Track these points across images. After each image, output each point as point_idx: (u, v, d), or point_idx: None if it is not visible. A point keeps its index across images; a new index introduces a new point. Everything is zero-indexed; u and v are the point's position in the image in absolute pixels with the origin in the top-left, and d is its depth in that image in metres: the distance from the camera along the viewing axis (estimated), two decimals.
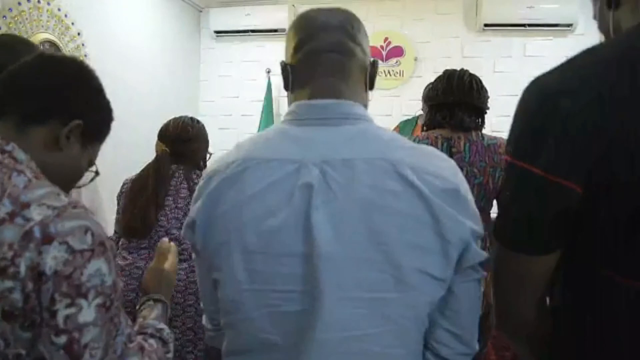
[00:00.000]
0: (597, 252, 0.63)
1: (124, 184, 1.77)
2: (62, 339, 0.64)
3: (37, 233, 0.63)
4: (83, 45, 2.69)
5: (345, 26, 0.77)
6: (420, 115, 3.05)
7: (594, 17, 0.76)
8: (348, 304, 0.66)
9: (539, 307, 0.72)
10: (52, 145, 0.76)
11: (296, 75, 0.79)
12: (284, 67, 0.81)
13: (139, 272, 1.63)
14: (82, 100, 0.80)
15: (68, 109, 0.78)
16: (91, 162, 0.86)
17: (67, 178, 0.80)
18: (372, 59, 0.82)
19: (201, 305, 0.87)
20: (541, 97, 0.64)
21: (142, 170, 1.73)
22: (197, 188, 0.78)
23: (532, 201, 0.64)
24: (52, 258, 0.63)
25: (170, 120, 1.79)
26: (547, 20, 3.52)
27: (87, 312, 0.65)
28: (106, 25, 2.92)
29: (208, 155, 1.85)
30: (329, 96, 0.74)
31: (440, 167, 0.71)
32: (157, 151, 1.74)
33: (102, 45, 2.85)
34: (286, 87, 0.81)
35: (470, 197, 0.72)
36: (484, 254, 0.71)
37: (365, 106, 0.80)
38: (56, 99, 0.77)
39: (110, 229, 1.78)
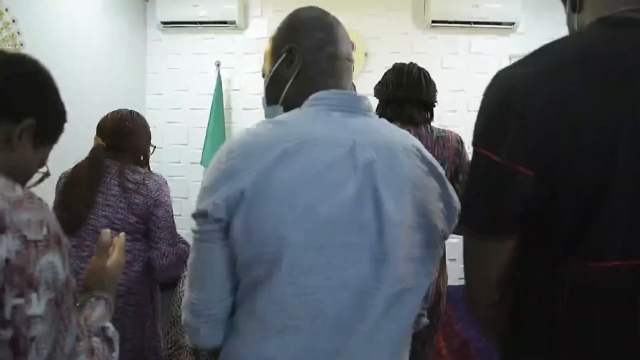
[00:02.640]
0: (549, 236, 0.69)
1: (60, 179, 1.69)
2: (8, 332, 0.61)
3: None
4: (18, 33, 2.53)
5: (347, 36, 0.91)
6: None
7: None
8: (406, 262, 0.77)
9: (500, 290, 0.79)
10: (3, 145, 0.73)
11: (309, 69, 0.85)
12: (295, 54, 0.86)
13: None
14: (35, 100, 0.77)
15: (20, 108, 0.75)
16: (42, 163, 0.83)
17: (16, 179, 0.75)
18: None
19: (193, 300, 0.79)
20: (501, 91, 0.69)
21: (76, 165, 1.66)
22: (227, 164, 0.73)
23: (494, 186, 0.70)
24: (5, 248, 0.60)
25: (108, 114, 1.71)
26: (491, 18, 3.65)
27: (37, 306, 0.62)
28: (44, 13, 2.77)
29: (152, 149, 1.78)
30: (345, 89, 0.86)
31: (431, 156, 0.87)
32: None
33: (40, 35, 2.70)
34: (290, 74, 0.85)
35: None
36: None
37: None
38: (7, 98, 0.74)
39: None
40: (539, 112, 0.64)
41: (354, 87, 0.95)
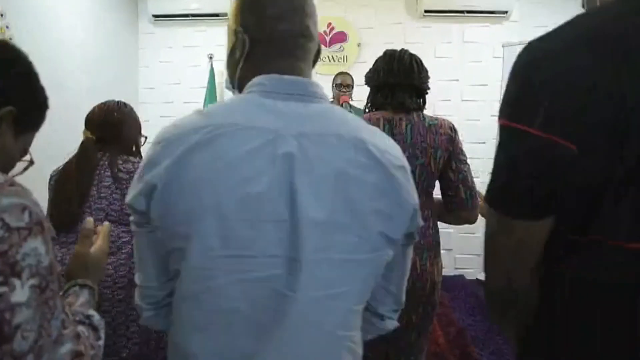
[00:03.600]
0: (572, 215, 0.66)
1: (51, 177, 1.68)
2: None
3: None
4: (7, 27, 2.51)
5: (307, 9, 0.81)
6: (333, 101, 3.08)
7: None
8: (325, 265, 0.71)
9: (533, 276, 0.74)
10: None
11: (258, 49, 0.79)
12: (242, 36, 0.80)
13: None
14: (14, 86, 0.76)
15: None
16: (25, 151, 0.82)
17: None
18: (319, 41, 0.87)
19: (138, 282, 0.81)
20: (531, 62, 0.66)
21: (67, 161, 1.64)
22: (151, 153, 0.73)
23: (530, 162, 0.65)
24: None
25: (95, 106, 1.69)
26: (484, 7, 3.65)
27: (20, 292, 0.62)
28: (34, 8, 2.73)
29: (143, 139, 1.77)
30: (296, 71, 0.78)
31: (392, 146, 0.79)
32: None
33: (29, 29, 2.67)
34: (239, 56, 0.81)
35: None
36: (421, 222, 0.80)
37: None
38: None
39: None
40: (556, 86, 0.62)
41: (315, 59, 0.87)
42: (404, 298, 0.87)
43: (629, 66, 0.59)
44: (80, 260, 0.93)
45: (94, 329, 0.81)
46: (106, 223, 1.02)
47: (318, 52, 0.87)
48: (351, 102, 3.31)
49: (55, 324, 0.69)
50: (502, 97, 0.70)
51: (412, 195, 0.77)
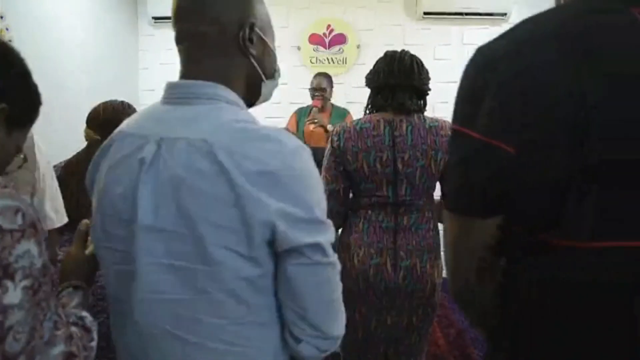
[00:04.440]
0: (527, 215, 0.66)
1: (56, 169, 1.67)
2: None
3: None
4: (7, 29, 2.51)
5: (194, 8, 0.79)
6: (314, 107, 3.03)
7: None
8: (157, 270, 0.73)
9: (486, 274, 0.75)
10: None
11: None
12: None
13: None
14: (6, 83, 0.76)
15: None
16: (19, 149, 0.82)
17: None
18: (250, 21, 0.79)
19: None
20: (478, 64, 0.67)
21: (71, 159, 1.63)
22: None
23: (473, 163, 0.66)
24: None
25: (99, 105, 1.68)
26: (483, 9, 3.66)
27: (13, 294, 0.63)
28: (33, 9, 2.74)
29: None
30: (188, 77, 0.79)
31: (263, 149, 0.70)
32: (86, 138, 1.65)
33: (29, 31, 2.67)
34: None
35: (296, 181, 0.71)
36: (307, 239, 0.71)
37: (254, 73, 0.83)
38: None
39: (59, 220, 1.68)
40: (510, 84, 0.62)
41: (245, 42, 0.81)
42: (328, 329, 0.77)
43: (589, 65, 0.59)
44: (74, 262, 0.93)
45: (87, 330, 0.81)
46: None
47: (247, 36, 0.79)
48: (334, 103, 3.28)
49: (47, 326, 0.69)
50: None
51: (266, 205, 0.67)
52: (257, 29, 0.81)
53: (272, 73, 0.88)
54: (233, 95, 0.79)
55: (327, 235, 0.74)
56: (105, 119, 1.64)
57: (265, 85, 0.87)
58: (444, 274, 1.84)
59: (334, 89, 3.30)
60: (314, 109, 3.03)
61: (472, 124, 0.65)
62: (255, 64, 0.83)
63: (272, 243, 0.71)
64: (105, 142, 0.83)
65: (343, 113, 3.24)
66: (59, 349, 0.71)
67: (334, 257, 0.76)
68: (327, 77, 3.22)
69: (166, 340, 0.75)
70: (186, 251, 0.70)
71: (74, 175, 1.59)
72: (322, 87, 3.13)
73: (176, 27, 0.82)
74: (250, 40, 0.80)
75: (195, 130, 0.72)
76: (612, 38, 0.60)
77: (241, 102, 0.81)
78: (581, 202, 0.60)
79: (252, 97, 0.87)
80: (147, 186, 0.72)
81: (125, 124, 0.83)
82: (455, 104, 0.70)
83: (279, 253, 0.72)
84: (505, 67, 0.63)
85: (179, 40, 0.82)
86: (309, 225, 0.71)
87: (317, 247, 0.72)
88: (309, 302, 0.75)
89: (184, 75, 0.80)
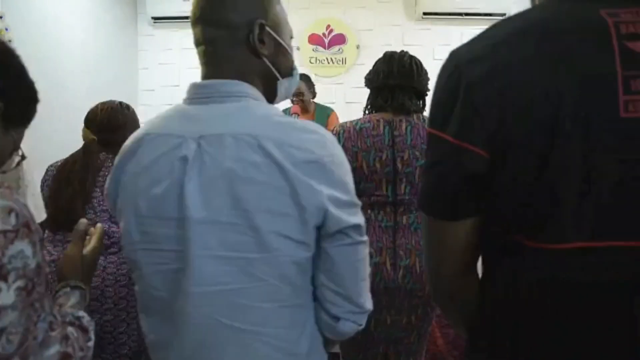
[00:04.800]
0: (503, 217, 0.66)
1: (47, 171, 1.67)
2: None
3: None
4: (6, 29, 2.51)
5: (205, 14, 0.82)
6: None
7: None
8: (213, 262, 0.74)
9: (464, 275, 0.76)
10: None
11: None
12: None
13: None
14: (2, 82, 0.75)
15: None
16: (16, 147, 0.82)
17: None
18: (258, 22, 0.81)
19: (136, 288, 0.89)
20: (450, 67, 0.67)
21: (68, 159, 1.64)
22: None
23: (445, 167, 0.67)
24: None
25: (98, 106, 1.68)
26: (482, 9, 3.66)
27: (6, 295, 0.62)
28: (33, 10, 2.74)
29: None
30: (213, 77, 0.82)
31: (306, 140, 0.75)
32: (84, 139, 1.65)
33: (29, 31, 2.67)
34: None
35: (337, 167, 0.77)
36: (351, 220, 0.77)
37: (269, 73, 0.85)
38: None
39: (37, 216, 1.69)
40: (483, 86, 0.62)
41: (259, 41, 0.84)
42: (362, 301, 0.82)
43: (566, 64, 0.59)
44: (72, 261, 0.92)
45: (84, 330, 0.81)
46: (99, 224, 1.02)
47: (258, 37, 0.81)
48: (316, 102, 3.23)
49: (42, 326, 0.69)
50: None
51: (318, 192, 0.73)
52: (268, 29, 0.82)
53: (288, 71, 0.90)
54: (258, 93, 0.83)
55: (361, 216, 0.80)
56: (103, 119, 1.64)
57: (281, 83, 0.89)
58: None
59: (332, 89, 3.29)
60: (294, 116, 2.99)
61: (445, 127, 0.65)
62: (269, 64, 0.84)
63: (319, 227, 0.76)
64: (130, 145, 0.82)
65: (327, 112, 3.21)
66: (53, 349, 0.71)
67: (366, 237, 0.81)
68: (305, 78, 3.13)
69: (221, 330, 0.76)
70: (242, 241, 0.73)
71: (69, 176, 1.59)
72: (299, 91, 3.03)
73: (194, 30, 0.85)
74: (261, 41, 0.82)
75: (236, 126, 0.75)
76: (585, 39, 0.60)
77: (264, 99, 0.84)
78: (581, 203, 0.60)
79: (269, 95, 0.88)
80: (194, 182, 0.74)
81: (150, 126, 0.83)
82: (430, 107, 0.71)
83: (325, 236, 0.76)
84: (480, 68, 0.63)
85: (197, 43, 0.85)
86: (350, 207, 0.78)
87: (358, 227, 0.78)
88: (348, 280, 0.80)
89: (206, 76, 0.84)
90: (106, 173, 1.59)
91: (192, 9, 0.85)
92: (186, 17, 3.77)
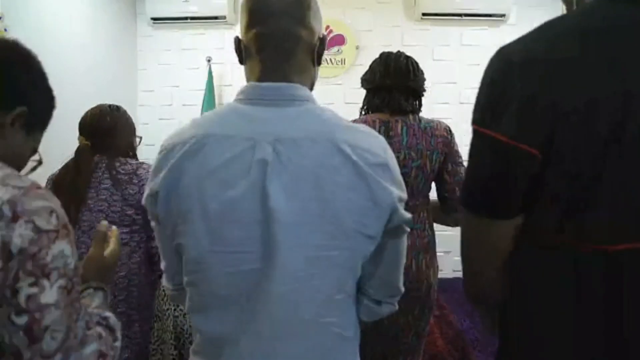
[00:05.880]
0: (546, 216, 0.67)
1: (48, 181, 1.68)
2: (23, 319, 0.63)
3: (6, 211, 0.62)
4: (5, 30, 2.51)
5: (292, 11, 0.82)
6: None
7: None
8: (301, 262, 0.76)
9: (501, 274, 0.76)
10: None
11: (248, 54, 0.85)
12: (238, 42, 0.87)
13: None
14: (27, 86, 0.77)
15: (12, 95, 0.75)
16: (34, 150, 0.83)
17: (11, 166, 0.76)
18: (321, 35, 0.87)
19: (162, 268, 0.91)
20: (504, 65, 0.67)
21: (62, 167, 1.65)
22: (156, 161, 0.82)
23: (496, 166, 0.68)
24: (19, 236, 0.62)
25: (88, 111, 1.70)
26: (481, 10, 3.66)
27: (49, 293, 0.64)
28: (32, 10, 2.74)
29: (138, 140, 1.77)
30: (276, 79, 0.81)
31: (373, 144, 0.80)
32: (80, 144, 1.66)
33: (28, 32, 2.67)
34: (241, 62, 0.88)
35: (396, 168, 0.82)
36: (408, 215, 0.82)
37: (313, 82, 0.91)
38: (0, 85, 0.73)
39: None
40: (539, 87, 0.62)
41: (319, 55, 0.88)
42: (400, 285, 0.90)
43: (625, 67, 0.60)
44: (94, 263, 0.94)
45: (111, 330, 0.82)
46: (114, 227, 1.03)
47: (320, 47, 0.87)
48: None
49: (80, 325, 0.71)
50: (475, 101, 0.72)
51: (390, 192, 0.78)
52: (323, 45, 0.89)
53: (313, 85, 0.94)
54: (313, 97, 0.85)
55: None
56: (93, 123, 1.65)
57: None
58: (440, 273, 1.84)
59: (331, 90, 3.30)
60: None
61: (497, 126, 0.66)
62: (315, 75, 0.92)
63: (385, 223, 0.80)
64: (191, 145, 0.78)
65: None
66: (92, 347, 0.72)
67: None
68: None
69: (301, 325, 0.79)
70: (327, 240, 0.76)
71: (67, 184, 1.59)
72: None
73: (267, 22, 0.82)
74: (320, 54, 0.88)
75: (311, 130, 0.78)
76: (634, 43, 0.61)
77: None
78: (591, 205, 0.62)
79: None
80: (276, 185, 0.75)
81: (207, 127, 0.79)
82: (476, 105, 0.71)
83: (387, 230, 0.81)
84: (527, 71, 0.63)
85: (267, 38, 0.82)
86: (405, 204, 0.83)
87: (410, 221, 0.84)
88: (395, 268, 0.88)
89: (268, 73, 0.82)
90: (100, 174, 1.59)
91: (268, 1, 0.81)
92: (186, 18, 3.81)
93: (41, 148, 0.88)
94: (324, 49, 0.88)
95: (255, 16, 0.82)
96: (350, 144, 0.77)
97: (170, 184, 0.78)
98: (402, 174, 1.56)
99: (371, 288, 0.87)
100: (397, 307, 0.94)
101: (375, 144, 0.80)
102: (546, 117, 0.62)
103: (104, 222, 0.99)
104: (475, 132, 0.71)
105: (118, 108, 1.73)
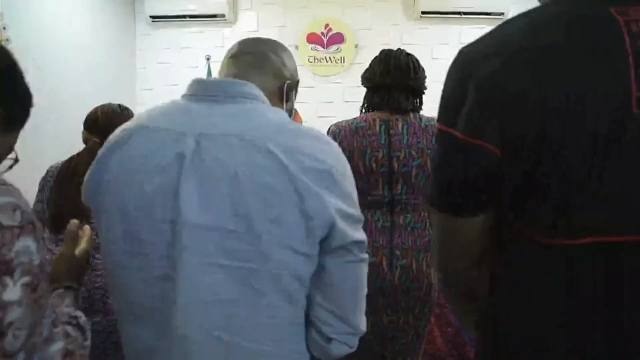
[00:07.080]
0: (513, 211, 0.67)
1: (47, 172, 1.66)
2: None
3: None
4: (4, 29, 2.50)
5: (271, 45, 0.92)
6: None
7: None
8: (207, 271, 0.69)
9: (472, 270, 0.76)
10: None
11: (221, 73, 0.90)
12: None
13: None
14: (2, 87, 0.76)
15: None
16: (10, 149, 0.82)
17: None
18: (296, 77, 0.94)
19: None
20: (460, 63, 0.68)
21: (71, 158, 1.63)
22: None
23: (456, 164, 0.67)
24: None
25: (97, 109, 1.67)
26: (480, 9, 3.66)
27: (12, 291, 0.62)
28: (31, 9, 2.73)
29: None
30: (231, 77, 0.83)
31: (318, 149, 0.72)
32: (84, 141, 1.65)
33: (27, 31, 2.66)
34: None
35: (345, 179, 0.74)
36: (356, 236, 0.73)
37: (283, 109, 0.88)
38: None
39: None
40: (491, 83, 0.62)
41: (287, 94, 0.96)
42: (358, 323, 0.78)
43: (580, 60, 0.60)
44: (65, 262, 0.92)
45: (81, 329, 0.81)
46: (87, 226, 1.02)
47: (289, 86, 0.92)
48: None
49: (46, 323, 0.69)
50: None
51: (325, 202, 0.68)
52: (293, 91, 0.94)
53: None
54: (264, 97, 0.80)
55: (363, 232, 0.76)
56: (108, 124, 1.64)
57: None
58: None
59: (330, 88, 3.29)
60: None
61: (455, 124, 0.66)
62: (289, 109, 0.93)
63: (322, 241, 0.71)
64: (119, 137, 0.75)
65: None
66: (58, 345, 0.71)
67: (367, 255, 0.78)
68: None
69: (214, 344, 0.70)
70: (241, 249, 0.68)
71: (72, 178, 1.58)
72: None
73: (243, 41, 0.94)
74: (288, 94, 0.92)
75: (244, 127, 0.71)
76: (596, 36, 0.61)
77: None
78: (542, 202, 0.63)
79: None
80: (190, 182, 0.68)
81: (146, 119, 0.76)
82: (439, 104, 0.71)
83: (326, 250, 0.71)
84: (489, 65, 0.63)
85: (234, 58, 0.91)
86: (355, 223, 0.74)
87: (361, 244, 0.74)
88: (346, 300, 0.76)
89: (223, 76, 0.86)
90: None
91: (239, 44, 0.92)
92: (184, 16, 3.81)
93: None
94: (293, 89, 0.93)
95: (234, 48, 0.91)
96: (285, 147, 0.69)
97: (95, 177, 0.76)
98: (403, 172, 1.58)
99: (318, 320, 0.75)
100: (353, 348, 0.79)
101: (322, 150, 0.72)
102: (499, 113, 0.62)
103: (75, 221, 0.97)
104: (438, 131, 0.70)
105: (127, 109, 1.73)
